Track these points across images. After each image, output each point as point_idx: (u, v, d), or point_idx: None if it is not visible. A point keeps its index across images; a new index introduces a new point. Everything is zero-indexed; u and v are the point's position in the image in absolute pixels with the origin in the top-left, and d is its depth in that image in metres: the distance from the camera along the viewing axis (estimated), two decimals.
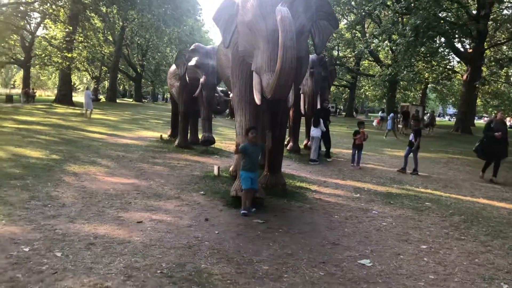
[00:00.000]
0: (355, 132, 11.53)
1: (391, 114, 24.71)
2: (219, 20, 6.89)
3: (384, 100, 43.94)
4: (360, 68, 47.39)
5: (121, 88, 67.88)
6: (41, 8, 28.74)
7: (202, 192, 7.15)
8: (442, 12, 26.57)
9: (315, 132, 11.77)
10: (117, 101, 46.86)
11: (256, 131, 6.34)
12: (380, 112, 32.74)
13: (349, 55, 43.99)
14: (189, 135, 13.06)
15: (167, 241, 4.78)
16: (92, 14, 31.64)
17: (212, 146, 12.30)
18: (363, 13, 31.76)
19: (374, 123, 30.30)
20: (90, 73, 49.81)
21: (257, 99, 6.00)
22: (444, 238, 5.65)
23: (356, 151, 11.42)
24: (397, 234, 5.70)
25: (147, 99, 65.45)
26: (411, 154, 10.96)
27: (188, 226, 5.36)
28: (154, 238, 4.83)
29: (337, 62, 41.07)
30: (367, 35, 35.85)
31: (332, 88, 57.39)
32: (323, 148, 12.71)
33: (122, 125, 19.21)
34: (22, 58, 38.29)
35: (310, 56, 11.29)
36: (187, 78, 11.60)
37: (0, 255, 4.03)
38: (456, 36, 29.85)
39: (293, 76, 5.35)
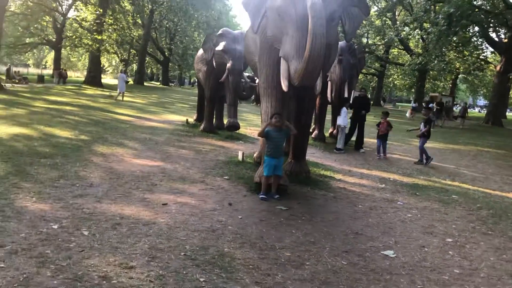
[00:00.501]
0: (378, 123, 11.36)
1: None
2: (248, 4, 6.82)
3: (413, 90, 43.13)
4: (389, 57, 46.46)
5: (148, 71, 68.45)
6: None
7: (226, 177, 7.19)
8: (477, 0, 25.71)
9: (341, 120, 11.65)
10: (145, 84, 47.31)
11: (281, 117, 6.31)
12: (412, 102, 31.97)
13: (379, 43, 43.15)
14: (214, 120, 13.10)
15: (191, 224, 4.84)
16: None
17: (237, 131, 12.32)
18: (394, 0, 31.05)
19: (408, 114, 29.56)
20: (119, 55, 50.38)
21: (284, 85, 5.97)
22: (470, 232, 5.54)
23: (381, 142, 11.25)
24: (422, 226, 5.62)
25: (174, 83, 65.84)
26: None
27: (212, 210, 5.40)
28: (179, 220, 4.90)
29: (366, 49, 40.38)
30: (398, 22, 35.13)
31: (360, 76, 56.54)
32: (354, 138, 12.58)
33: (149, 108, 19.42)
34: (54, 40, 38.95)
35: (339, 43, 11.12)
36: (214, 63, 11.59)
37: (30, 231, 4.16)
38: (491, 25, 28.85)
39: (321, 63, 5.31)
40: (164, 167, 7.59)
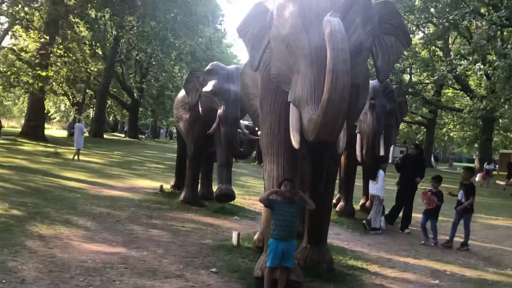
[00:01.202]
0: (426, 192, 11.15)
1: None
2: (246, 32, 7.01)
3: (476, 145, 43.42)
4: (442, 99, 47.24)
5: (111, 119, 69.37)
6: (10, 11, 29.74)
7: (214, 269, 7.11)
8: None
9: (377, 188, 11.66)
10: (105, 136, 47.71)
11: (292, 184, 6.32)
12: (486, 163, 31.77)
13: (427, 81, 44.00)
14: (199, 186, 13.11)
15: None
16: (77, 20, 32.64)
17: (231, 202, 12.28)
18: (447, 24, 31.94)
19: (478, 178, 29.30)
20: (71, 98, 51.20)
21: (295, 141, 6.00)
22: None
23: (428, 220, 10.96)
24: None
25: (146, 135, 66.44)
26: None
27: None
28: None
29: (409, 90, 41.12)
30: (452, 53, 35.92)
31: (402, 125, 57.31)
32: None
33: (110, 170, 19.51)
34: None
35: (371, 82, 11.34)
36: (200, 109, 11.77)
37: None
38: None
39: (345, 110, 5.36)
40: (126, 255, 7.51)
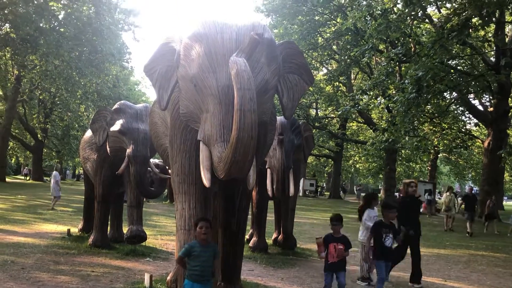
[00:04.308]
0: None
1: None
2: (153, 72, 7.05)
3: (381, 176, 44.99)
4: (347, 133, 48.86)
5: (13, 161, 66.87)
6: None
7: None
8: (452, 60, 28.01)
9: (362, 232, 10.32)
10: (7, 179, 45.89)
11: (208, 224, 6.29)
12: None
13: (332, 115, 45.47)
14: (109, 229, 12.83)
15: None
16: None
17: (143, 244, 12.09)
18: (348, 60, 33.26)
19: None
20: None
21: (206, 179, 6.04)
22: None
23: (335, 277, 8.17)
24: None
25: (50, 177, 64.29)
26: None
27: None
28: None
29: (316, 124, 42.30)
30: (355, 88, 37.28)
31: (311, 159, 58.69)
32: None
33: (13, 215, 18.73)
34: None
35: (278, 118, 11.61)
36: (108, 149, 11.60)
37: None
38: (472, 90, 31.29)
39: (254, 147, 5.47)
40: None
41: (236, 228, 7.41)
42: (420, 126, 31.69)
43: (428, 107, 28.46)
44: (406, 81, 23.33)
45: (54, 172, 24.48)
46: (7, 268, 9.42)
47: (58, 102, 50.02)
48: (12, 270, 9.30)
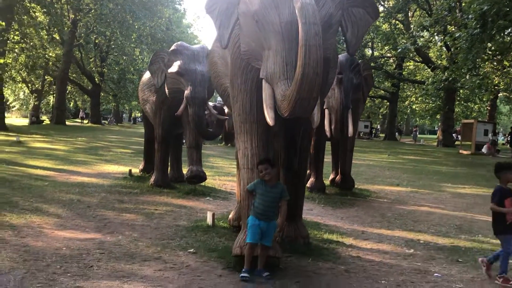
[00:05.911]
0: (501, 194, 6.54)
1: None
2: (214, 9, 6.93)
3: (438, 116, 44.05)
4: (404, 73, 47.67)
5: (71, 105, 68.28)
6: None
7: (192, 250, 7.10)
8: None
9: None
10: (67, 123, 47.00)
11: (271, 165, 6.31)
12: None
13: (388, 55, 44.36)
14: (170, 169, 13.04)
15: None
16: (33, 5, 31.98)
17: (202, 184, 12.26)
18: None
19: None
20: (30, 85, 50.18)
21: (270, 118, 5.95)
22: None
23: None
24: None
25: (108, 120, 65.63)
26: None
27: None
28: None
29: (372, 64, 41.42)
30: (413, 26, 36.21)
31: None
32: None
33: (75, 156, 19.26)
34: None
35: (338, 56, 11.36)
36: (166, 91, 11.65)
37: None
38: None
39: (319, 85, 5.36)
40: (101, 240, 7.45)
41: (298, 167, 7.36)
42: (482, 65, 30.60)
43: (489, 44, 27.28)
44: (470, 15, 22.43)
45: None
46: (74, 207, 9.74)
47: (113, 46, 50.38)
48: (78, 209, 9.61)
